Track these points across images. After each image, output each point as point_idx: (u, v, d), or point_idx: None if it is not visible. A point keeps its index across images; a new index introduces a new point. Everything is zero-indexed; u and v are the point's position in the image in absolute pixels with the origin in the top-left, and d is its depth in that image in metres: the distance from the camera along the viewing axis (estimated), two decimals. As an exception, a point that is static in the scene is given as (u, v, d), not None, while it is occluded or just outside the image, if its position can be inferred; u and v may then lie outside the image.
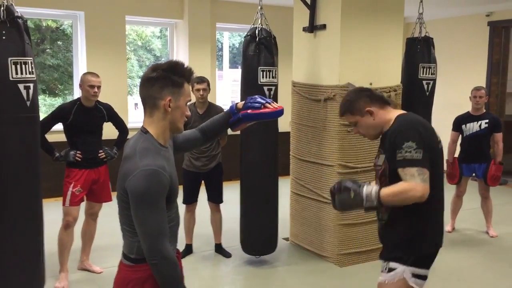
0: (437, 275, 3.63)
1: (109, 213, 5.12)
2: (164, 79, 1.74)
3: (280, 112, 2.10)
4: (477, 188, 5.11)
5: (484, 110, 5.08)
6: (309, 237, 4.50)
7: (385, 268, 2.28)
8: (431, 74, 4.72)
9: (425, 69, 4.69)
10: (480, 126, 4.92)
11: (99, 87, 3.78)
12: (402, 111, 2.34)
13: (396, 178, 2.16)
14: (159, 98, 1.75)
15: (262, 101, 2.08)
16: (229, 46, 9.25)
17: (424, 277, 2.25)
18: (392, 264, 2.25)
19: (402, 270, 2.22)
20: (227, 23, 7.75)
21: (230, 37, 9.34)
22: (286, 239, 4.83)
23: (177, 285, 1.73)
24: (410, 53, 4.81)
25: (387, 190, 2.14)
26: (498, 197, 5.94)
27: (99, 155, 3.87)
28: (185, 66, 1.80)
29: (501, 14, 7.55)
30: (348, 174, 4.15)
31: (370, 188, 2.16)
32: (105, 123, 3.95)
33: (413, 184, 2.09)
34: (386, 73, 4.30)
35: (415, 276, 2.23)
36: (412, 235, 2.23)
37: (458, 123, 5.07)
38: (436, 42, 4.91)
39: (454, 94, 7.62)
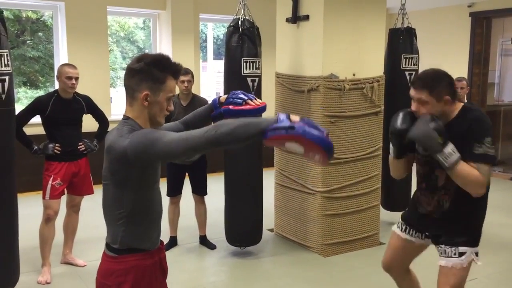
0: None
1: (92, 206, 5.09)
2: (145, 73, 1.70)
3: (262, 109, 2.08)
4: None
5: (466, 101, 5.13)
6: (294, 228, 4.51)
7: (453, 253, 2.39)
8: (414, 64, 4.76)
9: (407, 60, 4.72)
10: (461, 116, 4.98)
11: (77, 78, 3.73)
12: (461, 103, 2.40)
13: None
14: (136, 90, 1.72)
15: (245, 97, 2.07)
16: (213, 37, 9.19)
17: (478, 253, 2.44)
18: (462, 248, 2.38)
19: (471, 251, 2.39)
20: (210, 14, 7.70)
21: (214, 28, 9.28)
22: (271, 230, 4.85)
23: (247, 125, 1.56)
24: (393, 44, 4.84)
25: (465, 167, 2.24)
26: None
27: (79, 147, 3.82)
28: (172, 61, 1.76)
29: (482, 5, 7.62)
30: (332, 165, 4.17)
31: (455, 151, 2.23)
32: (85, 115, 3.91)
33: (482, 181, 2.25)
34: (369, 63, 4.31)
35: (476, 254, 2.43)
36: (476, 219, 2.42)
37: None
38: (419, 33, 4.95)
39: (437, 84, 7.69)
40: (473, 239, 2.41)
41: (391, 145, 2.51)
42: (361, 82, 4.23)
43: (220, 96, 2.15)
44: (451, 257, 2.39)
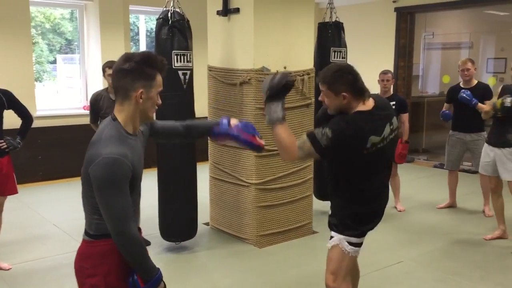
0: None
1: (16, 206, 4.86)
2: (136, 72, 1.78)
3: (260, 149, 2.24)
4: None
5: (392, 92, 5.35)
6: (229, 221, 4.54)
7: (329, 237, 2.55)
8: (342, 58, 4.91)
9: (336, 53, 4.86)
10: (388, 107, 5.17)
11: None
12: (365, 107, 2.38)
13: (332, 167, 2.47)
14: (131, 89, 1.79)
15: (255, 133, 2.21)
16: (147, 30, 8.98)
17: (359, 245, 2.50)
18: (332, 233, 2.53)
19: (338, 238, 2.48)
20: (140, 5, 7.52)
21: (148, 21, 9.06)
22: (207, 224, 4.84)
23: (144, 260, 1.82)
24: (322, 38, 4.96)
25: (284, 132, 2.34)
26: (405, 174, 6.33)
27: (0, 145, 3.62)
28: (158, 58, 1.85)
29: (406, 0, 7.97)
30: (265, 157, 4.23)
31: (279, 112, 2.32)
32: (7, 111, 3.70)
33: (294, 150, 2.33)
34: (300, 57, 4.39)
35: (351, 244, 2.47)
36: (345, 209, 2.48)
37: None
38: (346, 27, 5.10)
39: (364, 77, 7.86)
40: (340, 226, 2.47)
41: None
42: (292, 75, 4.30)
43: (231, 119, 2.24)
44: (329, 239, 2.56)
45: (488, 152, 4.43)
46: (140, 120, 1.88)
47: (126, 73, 1.78)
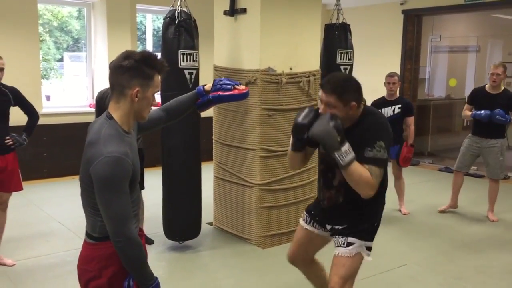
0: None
1: (21, 203, 4.88)
2: (135, 70, 1.77)
3: (247, 94, 2.26)
4: (390, 168, 5.39)
5: (398, 95, 5.34)
6: (232, 221, 4.53)
7: (342, 243, 2.47)
8: (348, 59, 4.90)
9: (342, 55, 4.85)
10: (393, 110, 5.16)
11: (2, 69, 3.56)
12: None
13: None
14: (127, 87, 1.77)
15: (232, 83, 2.22)
16: (154, 29, 9.00)
17: (371, 249, 2.52)
18: (351, 239, 2.46)
19: (359, 244, 2.46)
20: (148, 4, 7.54)
21: (155, 20, 9.09)
22: (210, 223, 4.85)
23: (142, 265, 1.80)
24: (328, 39, 4.95)
25: (358, 168, 2.24)
26: (410, 177, 6.30)
27: (6, 141, 3.63)
28: (158, 58, 1.84)
29: (414, 2, 7.96)
30: (270, 158, 4.22)
31: (350, 151, 2.23)
32: (12, 108, 3.72)
33: (373, 183, 2.27)
34: (306, 58, 4.39)
35: (368, 248, 2.50)
36: (369, 213, 2.49)
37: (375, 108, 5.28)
38: (353, 29, 5.08)
39: (371, 79, 7.91)
40: (363, 233, 2.46)
41: (291, 138, 2.52)
42: (298, 76, 4.30)
43: (205, 85, 2.25)
44: (340, 246, 2.47)
45: None
46: (134, 119, 1.86)
47: (124, 70, 1.76)
